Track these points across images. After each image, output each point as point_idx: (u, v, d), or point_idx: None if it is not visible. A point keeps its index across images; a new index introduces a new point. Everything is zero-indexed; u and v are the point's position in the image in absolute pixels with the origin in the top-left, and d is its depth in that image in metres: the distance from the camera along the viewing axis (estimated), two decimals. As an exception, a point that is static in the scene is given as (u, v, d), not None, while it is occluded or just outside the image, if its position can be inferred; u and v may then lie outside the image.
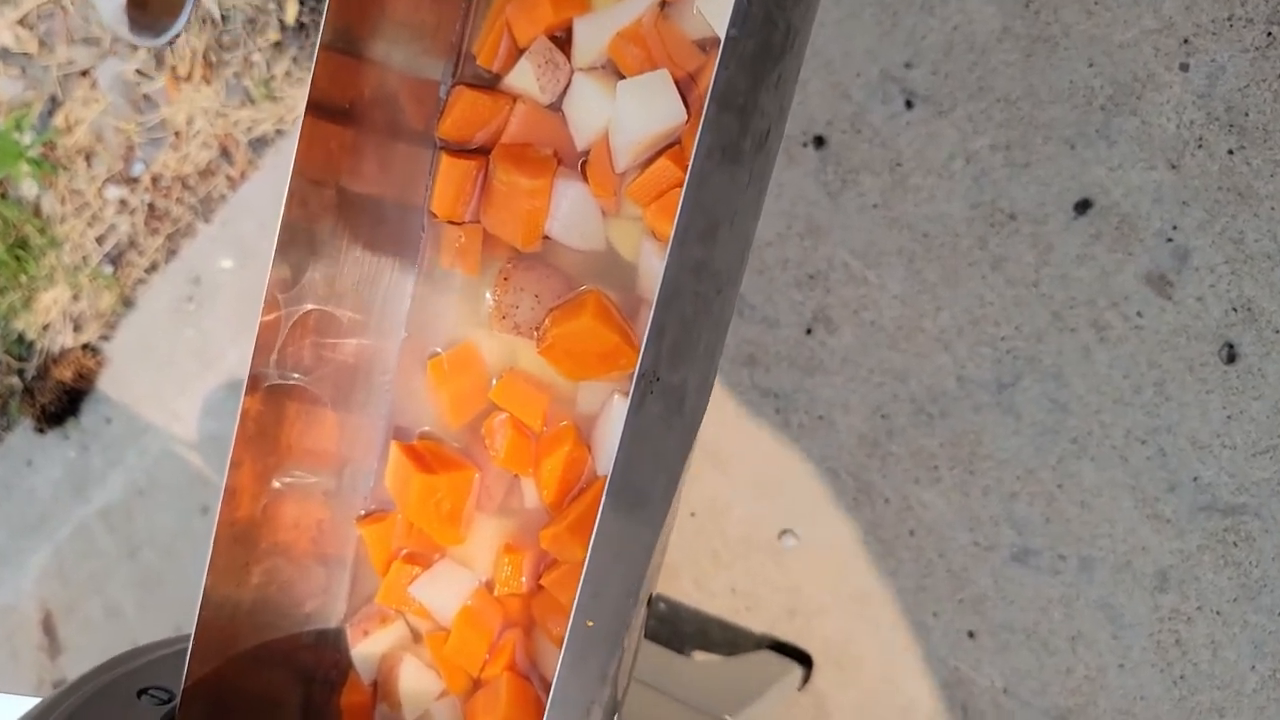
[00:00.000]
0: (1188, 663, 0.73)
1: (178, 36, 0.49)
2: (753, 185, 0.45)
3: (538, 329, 0.52)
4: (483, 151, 0.53)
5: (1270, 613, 0.70)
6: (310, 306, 0.53)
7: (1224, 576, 0.71)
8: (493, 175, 0.52)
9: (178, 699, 0.51)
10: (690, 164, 0.39)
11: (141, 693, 0.53)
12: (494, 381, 0.54)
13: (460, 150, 0.53)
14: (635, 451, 0.42)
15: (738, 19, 0.39)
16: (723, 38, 0.39)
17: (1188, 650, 0.73)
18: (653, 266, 0.50)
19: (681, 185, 0.46)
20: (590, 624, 0.44)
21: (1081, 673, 0.77)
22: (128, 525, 1.36)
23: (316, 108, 0.49)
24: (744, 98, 0.42)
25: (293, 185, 0.49)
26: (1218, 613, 0.72)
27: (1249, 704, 0.71)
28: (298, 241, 0.50)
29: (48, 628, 1.46)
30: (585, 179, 0.51)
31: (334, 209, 0.52)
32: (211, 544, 0.51)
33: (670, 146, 0.49)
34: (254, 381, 0.50)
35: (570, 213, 0.51)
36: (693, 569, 0.93)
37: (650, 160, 0.49)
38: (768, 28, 0.43)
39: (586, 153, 0.51)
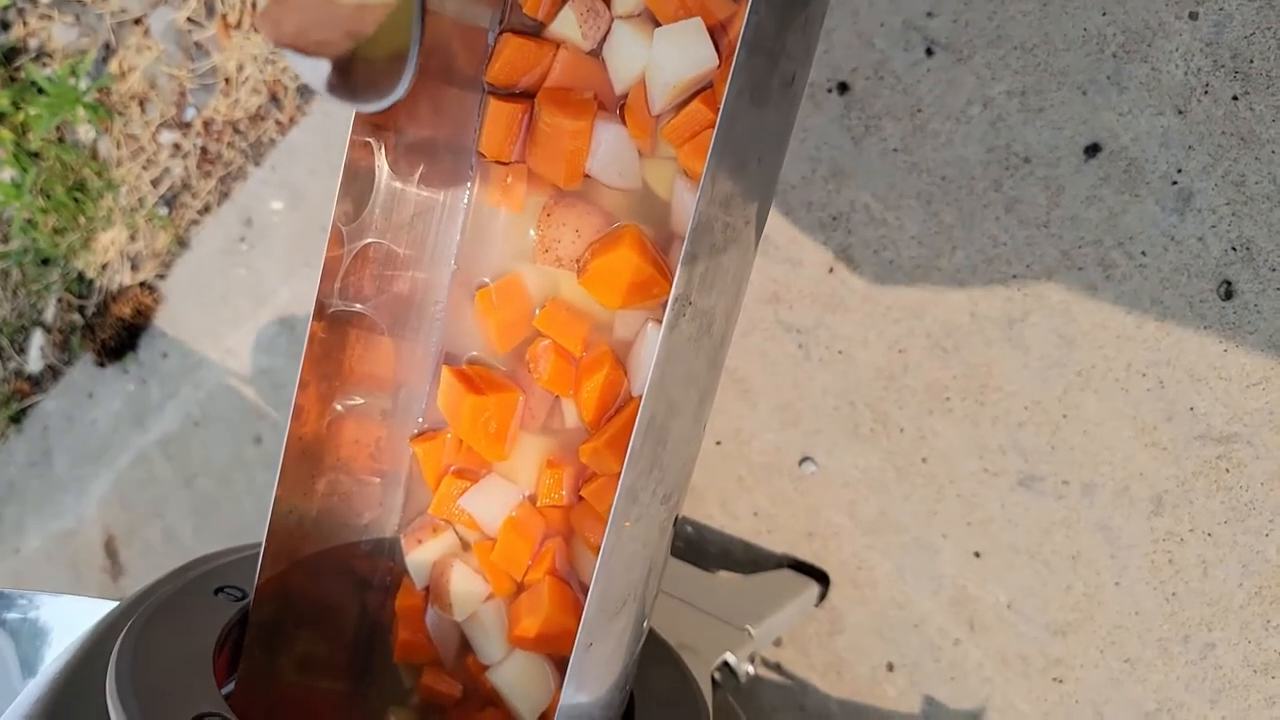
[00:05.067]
0: (1180, 581, 0.77)
1: (399, 100, 0.45)
2: (780, 124, 0.48)
3: (578, 261, 0.55)
4: (528, 95, 0.56)
5: (1258, 534, 0.73)
6: (370, 239, 0.56)
7: (1216, 501, 0.75)
8: (537, 117, 0.55)
9: (251, 597, 0.56)
10: (722, 104, 0.42)
11: (218, 590, 0.58)
12: (537, 310, 0.57)
13: (507, 94, 0.56)
14: (669, 369, 0.46)
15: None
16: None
17: (1180, 569, 0.77)
18: (685, 203, 0.53)
19: (713, 126, 0.49)
20: (629, 524, 0.48)
21: (1080, 590, 0.81)
22: (185, 454, 1.41)
23: (377, 56, 0.52)
24: (772, 41, 0.44)
25: (355, 128, 0.52)
26: (1209, 534, 0.75)
27: (1235, 619, 0.75)
28: (359, 179, 0.53)
29: (110, 550, 1.51)
30: (623, 121, 0.54)
31: (391, 149, 0.55)
32: (281, 457, 0.55)
33: (703, 90, 0.51)
34: (320, 308, 0.54)
35: (609, 153, 0.54)
36: (718, 493, 0.98)
37: (684, 103, 0.52)
38: (797, -25, 0.45)
39: (625, 96, 0.54)
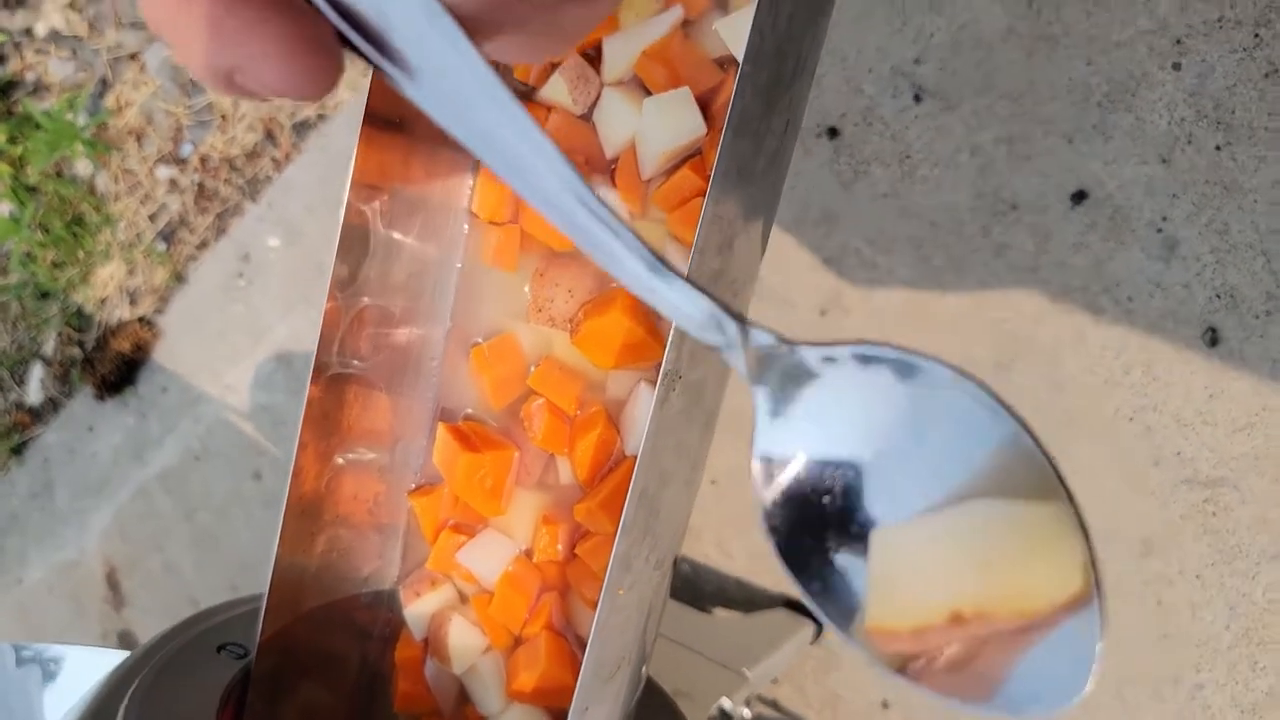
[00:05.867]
0: (1169, 622, 0.78)
1: None
2: (768, 190, 0.49)
3: (571, 321, 0.56)
4: (521, 159, 0.57)
5: (1244, 577, 0.74)
6: (366, 301, 0.57)
7: (1203, 544, 0.75)
8: (530, 181, 0.56)
9: (253, 654, 0.56)
10: (708, 185, 0.42)
11: (220, 648, 0.58)
12: (531, 368, 0.58)
13: (500, 157, 0.57)
14: (660, 441, 0.47)
15: (751, 54, 0.41)
16: (739, 71, 0.41)
17: (1169, 611, 0.78)
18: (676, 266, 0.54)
19: (702, 193, 0.49)
20: (622, 591, 0.48)
21: (1072, 630, 0.81)
22: (184, 488, 1.41)
23: (372, 121, 0.52)
24: (758, 123, 0.45)
25: (351, 191, 0.52)
26: (1197, 577, 0.76)
27: (1223, 660, 0.76)
28: (355, 242, 0.54)
29: (112, 582, 1.51)
30: (614, 184, 0.54)
31: (387, 212, 0.55)
32: (281, 518, 0.55)
33: (692, 156, 0.52)
34: (318, 371, 0.54)
35: (600, 215, 0.55)
36: (714, 533, 0.98)
37: (674, 169, 0.52)
38: (779, 59, 0.46)
39: (615, 160, 0.54)
